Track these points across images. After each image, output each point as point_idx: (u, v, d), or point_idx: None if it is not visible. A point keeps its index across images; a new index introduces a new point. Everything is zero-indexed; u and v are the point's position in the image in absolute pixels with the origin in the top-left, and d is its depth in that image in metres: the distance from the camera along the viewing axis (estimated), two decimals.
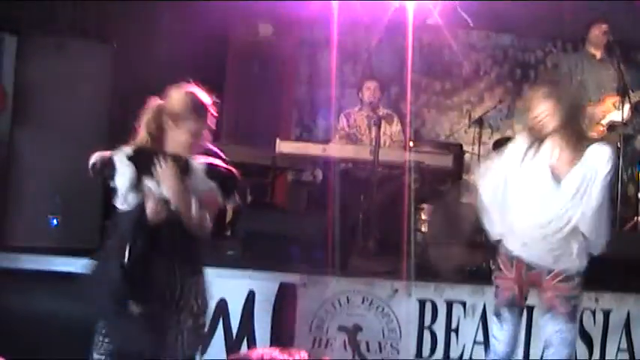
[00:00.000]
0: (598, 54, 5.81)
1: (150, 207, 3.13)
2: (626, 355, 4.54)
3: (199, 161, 3.23)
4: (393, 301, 4.47)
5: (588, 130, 5.57)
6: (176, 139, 3.22)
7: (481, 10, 7.60)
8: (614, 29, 5.89)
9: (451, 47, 8.38)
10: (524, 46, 8.51)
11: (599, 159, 3.37)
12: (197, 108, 3.24)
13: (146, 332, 3.10)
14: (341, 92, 8.09)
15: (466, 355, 4.51)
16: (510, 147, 3.61)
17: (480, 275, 4.89)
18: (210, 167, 3.23)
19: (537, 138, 3.46)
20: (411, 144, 6.44)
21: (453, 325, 4.51)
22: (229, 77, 7.44)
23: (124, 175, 3.15)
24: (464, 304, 4.52)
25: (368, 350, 4.45)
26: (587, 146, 3.40)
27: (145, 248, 3.11)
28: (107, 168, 3.21)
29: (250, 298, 4.37)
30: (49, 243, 4.69)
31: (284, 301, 4.38)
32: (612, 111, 5.65)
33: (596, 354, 4.50)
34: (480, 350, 4.51)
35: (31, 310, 4.19)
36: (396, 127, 6.39)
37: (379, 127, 5.70)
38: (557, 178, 3.40)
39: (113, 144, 5.02)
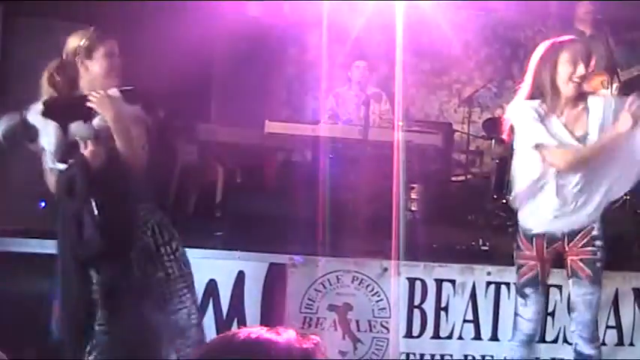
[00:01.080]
0: (587, 31, 5.80)
1: (90, 153, 3.03)
2: (614, 332, 4.57)
3: (113, 91, 3.19)
4: (382, 280, 4.48)
5: None
6: (91, 75, 3.20)
7: None
8: (604, 7, 5.88)
9: (440, 26, 8.35)
10: (513, 25, 8.49)
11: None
12: (100, 35, 3.26)
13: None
14: (330, 72, 8.07)
15: (456, 334, 4.54)
16: (528, 118, 3.51)
17: (469, 254, 4.92)
18: (126, 92, 3.20)
19: (557, 100, 3.42)
20: (401, 123, 6.44)
21: (443, 304, 4.53)
22: (217, 57, 7.40)
23: (47, 133, 3.07)
24: (453, 283, 4.53)
25: (358, 329, 4.47)
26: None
27: (107, 198, 3.06)
28: (24, 131, 3.12)
29: (240, 278, 4.37)
30: (39, 225, 4.68)
31: (274, 282, 4.39)
32: (600, 89, 5.64)
33: None
34: (469, 328, 4.54)
35: (20, 292, 4.18)
36: (384, 106, 6.38)
37: (368, 107, 5.70)
38: (575, 136, 3.41)
39: None
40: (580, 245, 3.50)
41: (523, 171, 3.55)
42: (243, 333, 1.36)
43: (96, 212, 3.02)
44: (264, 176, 6.11)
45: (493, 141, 6.75)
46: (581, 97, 3.45)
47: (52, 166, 3.11)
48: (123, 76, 3.30)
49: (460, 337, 4.54)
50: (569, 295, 4.34)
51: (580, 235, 3.50)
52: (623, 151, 3.40)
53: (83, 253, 3.07)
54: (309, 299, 4.42)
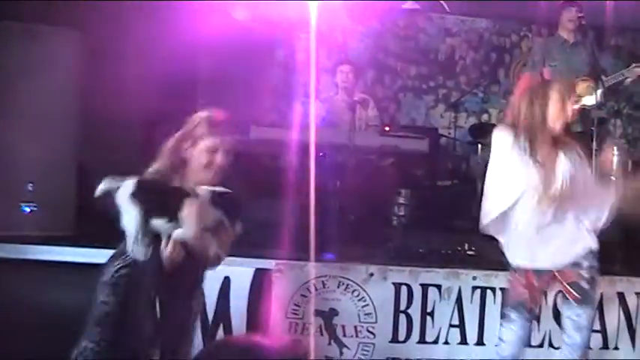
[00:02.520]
0: (571, 38, 5.82)
1: (167, 253, 2.93)
2: (599, 337, 4.59)
3: (203, 189, 3.05)
4: (368, 285, 4.48)
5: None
6: (195, 160, 3.07)
7: None
8: (588, 14, 5.90)
9: (427, 32, 8.39)
10: (499, 31, 8.54)
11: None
12: (214, 122, 3.10)
13: None
14: (316, 77, 8.06)
15: (442, 339, 4.54)
16: (502, 150, 3.53)
17: (455, 259, 4.92)
18: (215, 194, 3.06)
19: (537, 135, 3.42)
20: (387, 128, 6.44)
21: (429, 309, 4.53)
22: (203, 61, 7.38)
23: (130, 216, 2.96)
24: (439, 288, 4.54)
25: (344, 334, 4.46)
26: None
27: (170, 298, 2.99)
28: (109, 203, 3.02)
29: (226, 284, 4.36)
30: (22, 231, 4.65)
31: (259, 287, 4.38)
32: (585, 95, 5.66)
33: None
34: (455, 333, 4.54)
35: (3, 298, 4.16)
36: (371, 111, 6.38)
37: (354, 112, 5.70)
38: (540, 167, 3.41)
39: (86, 131, 5.02)
40: (568, 268, 3.50)
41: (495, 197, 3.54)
42: (237, 339, 1.36)
43: (158, 314, 2.95)
44: (250, 181, 6.08)
45: (479, 146, 6.77)
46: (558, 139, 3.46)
47: (130, 249, 3.01)
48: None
49: (446, 342, 4.54)
50: (554, 299, 4.40)
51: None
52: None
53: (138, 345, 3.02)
54: (295, 304, 4.41)
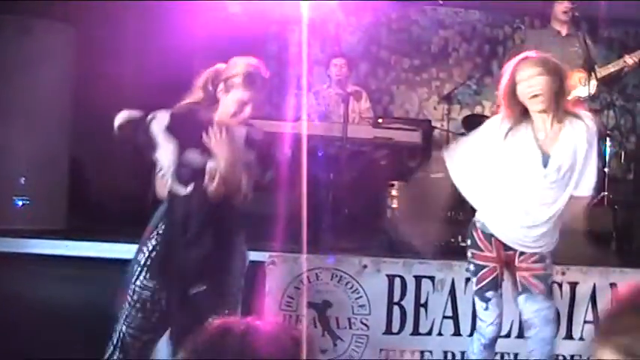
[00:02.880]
0: (564, 30, 5.82)
1: (212, 185, 2.93)
2: (592, 327, 4.60)
3: (240, 129, 3.09)
4: (362, 277, 4.48)
5: None
6: (225, 105, 3.09)
7: None
8: (581, 6, 5.91)
9: (420, 24, 8.38)
10: (492, 23, 8.53)
11: (583, 134, 3.37)
12: (251, 77, 3.10)
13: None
14: (309, 70, 8.05)
15: (435, 330, 4.55)
16: (489, 125, 3.57)
17: (448, 250, 4.93)
18: (251, 136, 3.10)
19: (520, 115, 3.39)
20: (380, 120, 6.44)
21: (422, 300, 4.54)
22: (196, 54, 7.35)
23: (166, 150, 2.96)
24: (432, 280, 4.54)
25: (337, 326, 4.47)
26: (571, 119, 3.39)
27: (214, 234, 3.01)
28: (142, 136, 3.00)
29: None
30: (14, 225, 4.65)
31: (253, 279, 4.37)
32: (577, 87, 5.67)
33: (563, 326, 4.55)
34: (448, 325, 4.55)
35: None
36: (364, 103, 6.39)
37: (347, 104, 5.70)
38: (545, 156, 3.35)
39: (79, 125, 5.01)
40: (531, 261, 3.49)
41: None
42: (233, 325, 1.36)
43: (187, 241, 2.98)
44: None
45: None
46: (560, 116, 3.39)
47: (170, 185, 3.00)
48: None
49: (440, 334, 4.55)
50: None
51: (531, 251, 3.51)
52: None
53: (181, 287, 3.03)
54: (288, 297, 4.41)
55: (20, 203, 4.67)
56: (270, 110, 7.99)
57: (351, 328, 4.48)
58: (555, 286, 4.50)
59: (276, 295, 4.39)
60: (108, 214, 5.31)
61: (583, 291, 4.59)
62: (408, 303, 4.53)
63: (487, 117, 5.02)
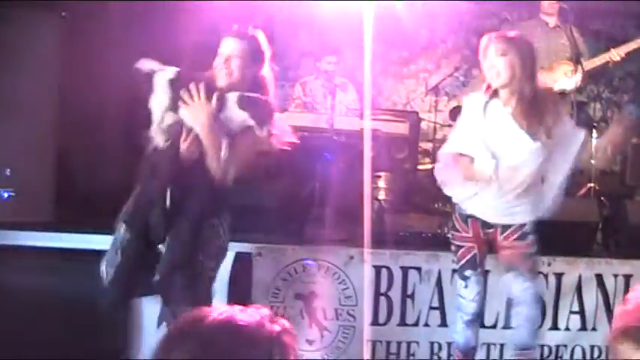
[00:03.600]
0: (551, 21, 5.83)
1: (185, 143, 3.04)
2: (577, 318, 4.63)
3: (233, 92, 3.15)
4: (348, 268, 4.48)
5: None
6: (215, 65, 3.19)
7: None
8: None
9: (407, 15, 8.37)
10: (479, 14, 8.54)
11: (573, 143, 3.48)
12: (252, 51, 3.21)
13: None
14: (296, 61, 8.05)
15: (422, 321, 4.56)
16: (468, 103, 3.65)
17: (435, 242, 4.94)
18: (243, 96, 3.14)
19: (491, 90, 3.52)
20: (367, 112, 6.43)
21: (409, 291, 4.55)
22: (184, 46, 7.33)
23: (159, 99, 3.07)
24: (419, 271, 4.56)
25: (325, 317, 4.47)
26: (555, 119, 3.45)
27: (184, 192, 3.08)
28: (145, 84, 3.12)
29: None
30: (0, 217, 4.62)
31: (240, 271, 4.37)
32: (563, 78, 5.69)
33: (549, 316, 4.58)
34: (435, 315, 4.56)
35: None
36: (351, 95, 6.38)
37: (334, 96, 5.69)
38: (521, 126, 3.44)
39: (65, 117, 4.98)
40: (514, 238, 3.53)
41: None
42: (213, 312, 1.36)
43: (168, 203, 3.05)
44: None
45: None
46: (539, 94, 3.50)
47: (152, 135, 3.11)
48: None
49: (426, 324, 4.57)
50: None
51: (513, 228, 3.53)
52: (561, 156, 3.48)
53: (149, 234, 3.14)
54: (275, 288, 4.42)
55: (5, 195, 4.64)
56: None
57: (338, 319, 4.49)
58: (541, 276, 4.54)
59: (263, 287, 4.38)
60: (95, 206, 5.28)
61: (569, 282, 4.61)
62: (395, 294, 4.54)
63: None
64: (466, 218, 3.60)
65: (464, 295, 3.69)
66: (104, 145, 6.28)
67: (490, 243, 3.64)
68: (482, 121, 3.50)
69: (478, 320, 3.76)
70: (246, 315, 1.35)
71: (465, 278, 3.65)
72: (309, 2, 7.48)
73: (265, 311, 1.38)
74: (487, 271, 4.07)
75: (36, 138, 4.78)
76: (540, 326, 3.78)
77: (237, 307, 1.38)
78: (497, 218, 3.54)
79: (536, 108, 3.40)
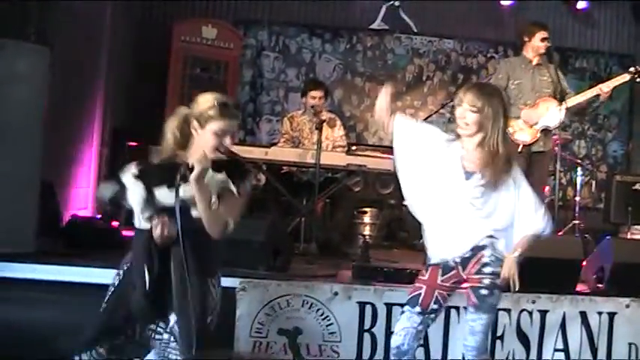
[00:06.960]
0: (535, 59, 5.89)
1: (157, 230, 3.03)
2: (562, 355, 4.61)
3: (203, 159, 3.12)
4: (332, 304, 4.46)
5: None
6: (201, 140, 3.13)
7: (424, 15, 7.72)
8: (554, 36, 5.99)
9: (395, 52, 8.47)
10: (466, 52, 8.64)
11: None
12: (222, 108, 3.15)
13: None
14: (285, 96, 8.11)
15: None
16: (429, 132, 3.72)
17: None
18: (214, 162, 3.13)
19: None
20: (354, 148, 6.47)
21: (393, 328, 4.51)
22: (171, 79, 7.37)
23: (134, 193, 3.10)
24: (403, 307, 4.52)
25: (308, 353, 4.42)
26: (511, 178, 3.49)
27: (160, 270, 3.06)
28: (119, 191, 3.15)
29: None
30: None
31: (223, 305, 4.33)
32: (545, 115, 5.73)
33: (534, 354, 4.56)
34: (419, 352, 4.51)
35: None
36: (338, 131, 6.41)
37: (321, 131, 5.71)
38: (466, 170, 3.47)
39: (49, 147, 4.98)
40: (472, 272, 3.52)
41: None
42: None
43: (147, 282, 3.05)
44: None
45: None
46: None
47: (137, 224, 3.12)
48: None
49: None
50: (517, 319, 4.45)
51: (472, 262, 3.52)
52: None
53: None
54: (259, 323, 4.38)
55: None
56: (244, 135, 8.05)
57: (321, 354, 4.44)
58: (526, 313, 4.54)
59: (247, 321, 4.35)
60: (77, 239, 5.25)
61: (553, 319, 4.60)
62: (379, 330, 4.51)
63: None
64: (428, 266, 3.61)
65: (393, 329, 3.71)
66: (88, 176, 6.29)
67: (455, 284, 3.63)
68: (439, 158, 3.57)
69: (405, 358, 3.68)
70: None
71: (401, 312, 3.65)
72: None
73: None
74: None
75: (19, 169, 4.76)
76: None
77: None
78: (450, 253, 3.55)
79: (493, 162, 3.46)
